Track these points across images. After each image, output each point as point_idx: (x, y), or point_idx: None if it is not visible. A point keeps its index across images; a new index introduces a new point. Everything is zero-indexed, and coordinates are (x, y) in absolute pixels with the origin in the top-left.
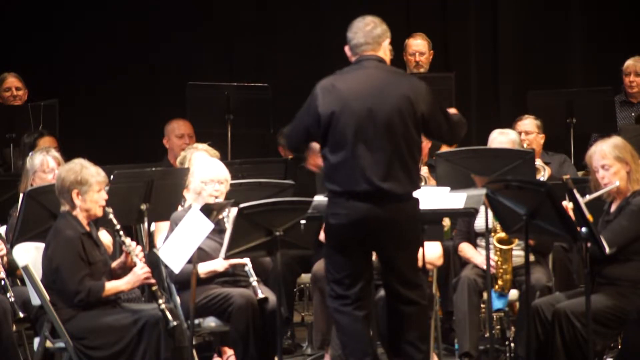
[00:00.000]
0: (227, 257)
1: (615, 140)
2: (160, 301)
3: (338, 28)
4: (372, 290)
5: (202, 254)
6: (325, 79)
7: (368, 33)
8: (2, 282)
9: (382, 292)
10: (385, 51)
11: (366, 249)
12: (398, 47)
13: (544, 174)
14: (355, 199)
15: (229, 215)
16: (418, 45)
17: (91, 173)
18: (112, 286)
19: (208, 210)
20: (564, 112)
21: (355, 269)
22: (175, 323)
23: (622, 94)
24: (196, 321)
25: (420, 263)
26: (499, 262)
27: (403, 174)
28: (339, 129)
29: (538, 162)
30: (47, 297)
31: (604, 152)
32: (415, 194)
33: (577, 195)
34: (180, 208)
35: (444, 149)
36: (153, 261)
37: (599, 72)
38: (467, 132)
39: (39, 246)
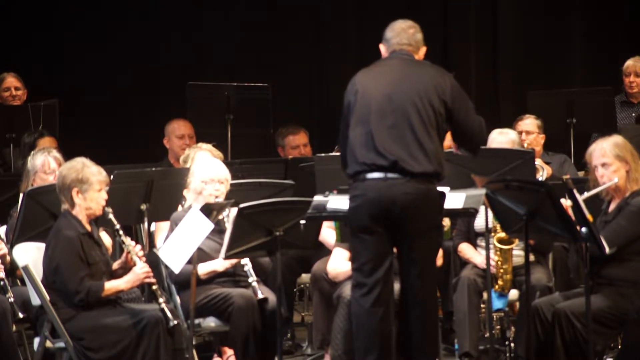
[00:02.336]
0: (227, 257)
1: (616, 138)
2: (161, 300)
3: (338, 28)
4: (392, 283)
5: (202, 255)
6: (357, 74)
7: (411, 36)
8: (2, 283)
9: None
10: (421, 57)
11: (385, 231)
12: None
13: (542, 174)
14: (371, 180)
15: (229, 215)
16: None
17: (92, 172)
18: (111, 286)
19: (208, 210)
20: (564, 112)
21: (375, 254)
22: (175, 322)
23: (622, 94)
24: (196, 321)
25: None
26: (499, 262)
27: (420, 153)
28: (357, 112)
29: (537, 162)
30: (47, 297)
31: (604, 150)
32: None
33: (577, 196)
34: (180, 208)
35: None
36: (153, 261)
37: (599, 72)
38: None
39: (40, 246)
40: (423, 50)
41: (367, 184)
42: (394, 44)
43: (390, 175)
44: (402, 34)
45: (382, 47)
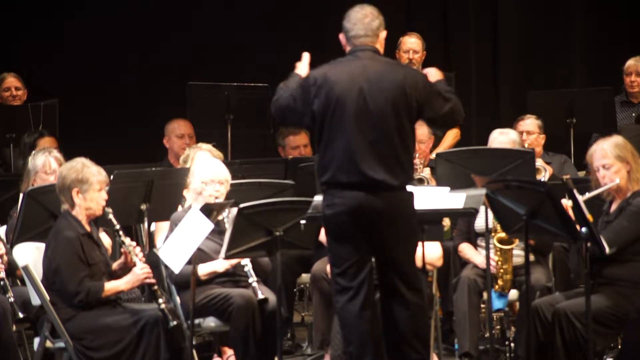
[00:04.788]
0: (227, 257)
1: (616, 139)
2: (161, 301)
3: (339, 27)
4: (373, 286)
5: (201, 255)
6: (319, 70)
7: (367, 25)
8: (2, 283)
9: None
10: (381, 42)
11: (365, 237)
12: (395, 46)
13: (544, 175)
14: (350, 189)
15: (229, 215)
16: (412, 43)
17: (92, 172)
18: (111, 286)
19: (208, 210)
20: (564, 112)
21: (358, 257)
22: (175, 323)
23: (623, 94)
24: (196, 321)
25: (419, 263)
26: (499, 262)
27: (397, 167)
28: (334, 122)
29: (539, 163)
30: (47, 297)
31: (605, 151)
32: (413, 191)
33: (577, 196)
34: (180, 208)
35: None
36: (153, 261)
37: (599, 72)
38: (467, 132)
39: (39, 246)
40: (383, 35)
41: (346, 194)
42: (353, 37)
43: (366, 188)
44: (359, 25)
45: (342, 38)
